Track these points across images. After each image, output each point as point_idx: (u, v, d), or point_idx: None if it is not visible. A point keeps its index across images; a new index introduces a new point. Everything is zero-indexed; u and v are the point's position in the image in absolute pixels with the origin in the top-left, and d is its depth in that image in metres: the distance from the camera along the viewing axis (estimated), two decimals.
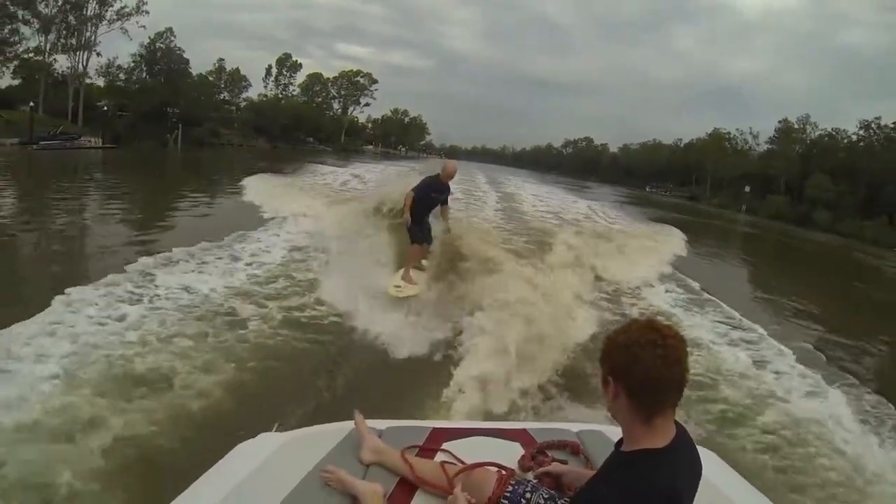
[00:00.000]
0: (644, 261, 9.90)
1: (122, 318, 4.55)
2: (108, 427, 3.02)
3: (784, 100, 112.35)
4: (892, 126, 44.48)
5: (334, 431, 1.64)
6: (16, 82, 36.53)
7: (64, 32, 36.47)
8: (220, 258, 6.89)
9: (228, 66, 54.44)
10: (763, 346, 6.28)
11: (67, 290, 4.83)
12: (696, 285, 9.20)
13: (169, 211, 12.04)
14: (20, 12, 33.05)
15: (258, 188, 13.71)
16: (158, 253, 6.67)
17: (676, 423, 1.07)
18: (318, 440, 1.59)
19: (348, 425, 1.63)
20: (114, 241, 8.23)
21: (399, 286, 5.52)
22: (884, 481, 3.64)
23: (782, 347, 6.21)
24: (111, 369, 3.66)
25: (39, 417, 3.02)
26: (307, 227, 9.27)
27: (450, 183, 6.24)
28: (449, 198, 6.36)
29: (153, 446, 2.96)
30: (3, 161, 20.52)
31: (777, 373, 5.45)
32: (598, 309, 6.46)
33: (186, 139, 38.89)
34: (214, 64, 52.88)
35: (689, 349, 1.06)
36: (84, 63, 38.39)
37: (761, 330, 6.83)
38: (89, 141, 30.95)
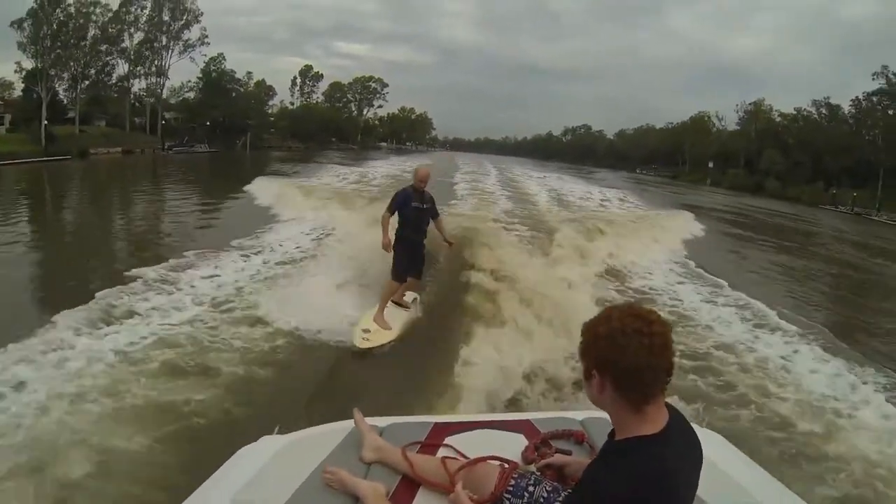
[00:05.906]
0: (644, 242, 10.51)
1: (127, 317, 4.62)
2: (108, 433, 3.01)
3: (784, 77, 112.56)
4: (841, 106, 52.13)
5: (335, 431, 1.65)
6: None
7: (143, 63, 46.02)
8: (241, 255, 7.15)
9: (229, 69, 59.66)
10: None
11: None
12: (684, 253, 10.62)
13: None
14: (114, 50, 42.78)
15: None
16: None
17: (669, 406, 1.05)
18: (320, 441, 1.60)
19: (349, 424, 1.63)
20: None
21: (367, 332, 4.60)
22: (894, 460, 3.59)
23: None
24: (109, 373, 3.64)
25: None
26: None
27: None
28: (438, 207, 5.37)
29: (157, 451, 2.97)
30: (164, 159, 32.35)
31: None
32: (599, 291, 6.44)
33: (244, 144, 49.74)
34: (244, 77, 59.50)
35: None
36: (161, 87, 48.06)
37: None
38: (201, 146, 43.78)
